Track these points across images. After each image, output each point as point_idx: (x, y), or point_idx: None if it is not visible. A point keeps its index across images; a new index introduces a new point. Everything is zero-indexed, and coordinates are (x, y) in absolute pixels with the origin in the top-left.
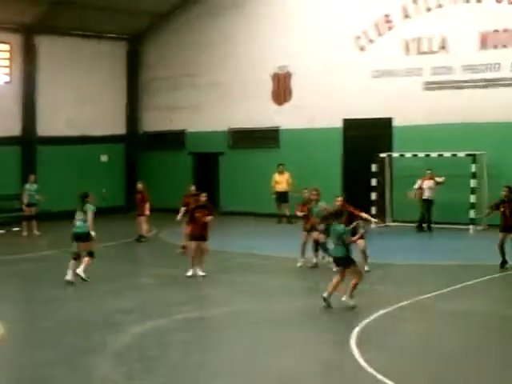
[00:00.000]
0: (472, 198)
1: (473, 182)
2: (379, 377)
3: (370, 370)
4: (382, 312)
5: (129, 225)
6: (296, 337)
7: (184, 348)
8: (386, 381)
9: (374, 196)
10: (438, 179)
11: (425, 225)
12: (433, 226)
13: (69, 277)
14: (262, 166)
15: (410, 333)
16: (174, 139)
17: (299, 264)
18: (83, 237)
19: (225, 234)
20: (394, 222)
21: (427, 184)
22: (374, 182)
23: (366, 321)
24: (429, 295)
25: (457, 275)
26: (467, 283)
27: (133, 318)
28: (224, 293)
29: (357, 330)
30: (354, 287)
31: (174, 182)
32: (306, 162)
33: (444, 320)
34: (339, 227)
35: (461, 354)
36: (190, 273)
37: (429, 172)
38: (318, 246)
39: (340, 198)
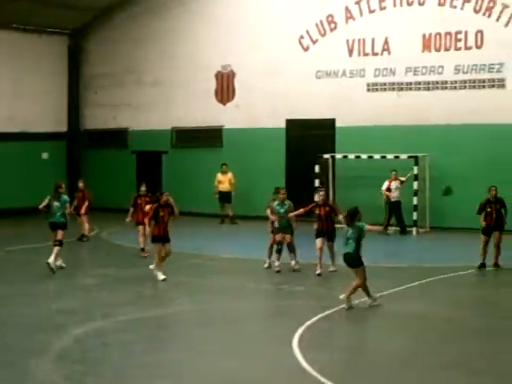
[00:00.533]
0: (414, 200)
1: (415, 184)
2: (321, 379)
3: (313, 371)
4: (325, 313)
5: (70, 224)
6: (240, 338)
7: (127, 349)
8: (329, 383)
9: (317, 197)
10: (402, 178)
11: (393, 228)
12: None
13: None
14: (205, 166)
15: (353, 334)
16: (117, 137)
17: (266, 265)
18: (59, 226)
19: (170, 234)
20: (336, 223)
21: (394, 184)
22: (317, 182)
23: (309, 322)
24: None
25: (400, 277)
26: (410, 285)
27: (75, 319)
28: (170, 293)
29: (300, 331)
30: (355, 290)
31: (117, 181)
32: (249, 162)
33: (386, 321)
34: (360, 223)
35: (403, 354)
36: (162, 276)
37: (394, 172)
38: (281, 247)
39: (322, 192)
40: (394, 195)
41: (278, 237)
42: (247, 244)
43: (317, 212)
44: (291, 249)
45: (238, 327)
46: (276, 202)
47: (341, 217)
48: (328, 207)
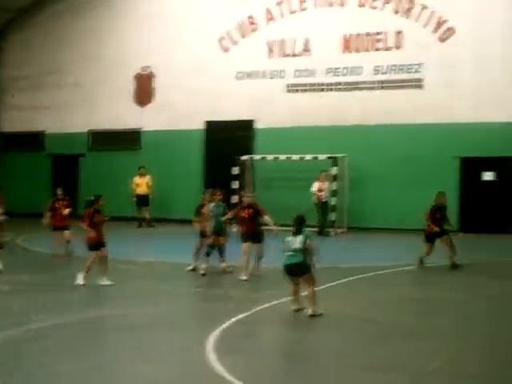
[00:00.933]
0: (333, 201)
1: (334, 185)
2: (236, 382)
3: (227, 375)
4: (240, 316)
5: None
6: (154, 342)
7: (40, 358)
8: None
9: (235, 199)
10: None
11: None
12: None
13: None
14: (123, 168)
15: (268, 336)
16: (33, 140)
17: (189, 268)
18: None
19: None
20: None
21: (324, 185)
22: (235, 184)
23: (225, 325)
24: (288, 298)
25: (319, 277)
26: (327, 285)
27: None
28: (85, 298)
29: (215, 334)
30: (313, 295)
31: (33, 184)
32: (168, 164)
33: (302, 323)
34: (306, 232)
35: (319, 356)
36: (82, 281)
37: (324, 173)
38: (211, 250)
39: (250, 194)
40: (325, 196)
41: (211, 239)
42: (165, 247)
43: (242, 214)
44: (222, 251)
45: (154, 331)
46: (212, 204)
47: (266, 218)
48: (251, 209)
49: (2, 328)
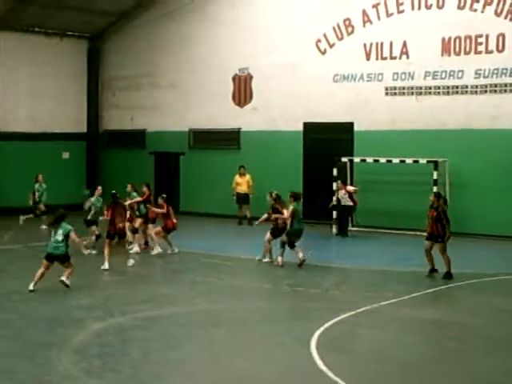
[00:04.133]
0: None
1: (435, 190)
2: (339, 381)
3: (330, 374)
4: (342, 317)
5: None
6: (256, 338)
7: (144, 346)
8: None
9: (334, 200)
10: (351, 188)
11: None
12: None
13: None
14: (222, 167)
15: (371, 338)
16: (135, 138)
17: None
18: None
19: (186, 234)
20: (353, 226)
21: (341, 193)
22: (334, 185)
23: (327, 325)
24: (389, 301)
25: (415, 282)
26: (427, 291)
27: (94, 314)
28: (185, 292)
29: (317, 333)
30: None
31: (135, 180)
32: (266, 165)
33: (404, 327)
34: (68, 226)
35: (419, 361)
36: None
37: (339, 181)
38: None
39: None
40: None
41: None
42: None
43: None
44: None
45: (254, 327)
46: None
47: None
48: None
49: (110, 315)
